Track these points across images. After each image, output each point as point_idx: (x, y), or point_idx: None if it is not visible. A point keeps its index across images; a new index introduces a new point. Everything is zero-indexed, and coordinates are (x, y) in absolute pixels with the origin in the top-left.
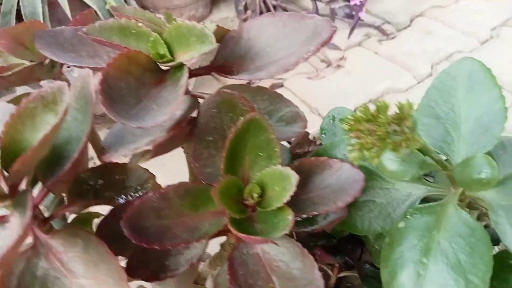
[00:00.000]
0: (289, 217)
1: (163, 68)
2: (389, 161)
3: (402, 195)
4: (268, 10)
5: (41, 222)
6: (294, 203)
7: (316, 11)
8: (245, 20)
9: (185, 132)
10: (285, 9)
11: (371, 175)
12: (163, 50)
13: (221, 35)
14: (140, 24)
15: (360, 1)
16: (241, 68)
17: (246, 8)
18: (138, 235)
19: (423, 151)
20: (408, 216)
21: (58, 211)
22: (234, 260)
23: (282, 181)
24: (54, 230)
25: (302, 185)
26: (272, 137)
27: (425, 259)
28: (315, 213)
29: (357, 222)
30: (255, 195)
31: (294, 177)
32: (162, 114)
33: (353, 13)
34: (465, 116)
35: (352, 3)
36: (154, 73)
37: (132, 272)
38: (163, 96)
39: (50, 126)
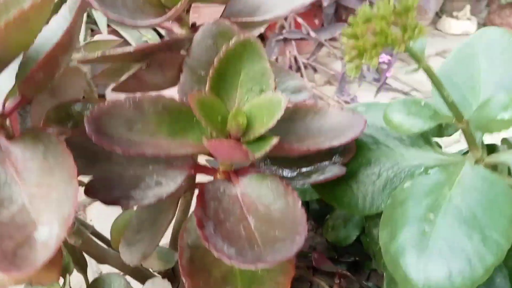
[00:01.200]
0: (273, 140)
1: None
2: (395, 112)
3: (411, 165)
4: (298, 67)
5: (8, 133)
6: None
7: (344, 72)
8: None
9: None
10: (314, 68)
11: (376, 144)
12: None
13: None
14: None
15: (388, 60)
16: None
17: (276, 62)
18: (101, 136)
19: (436, 86)
20: (416, 176)
21: (28, 130)
22: (207, 192)
23: (271, 107)
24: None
25: (299, 130)
26: (267, 66)
27: (432, 215)
28: (316, 147)
29: (358, 199)
30: (240, 121)
31: (283, 100)
32: None
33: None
34: (485, 82)
35: (379, 61)
36: None
37: (92, 192)
38: None
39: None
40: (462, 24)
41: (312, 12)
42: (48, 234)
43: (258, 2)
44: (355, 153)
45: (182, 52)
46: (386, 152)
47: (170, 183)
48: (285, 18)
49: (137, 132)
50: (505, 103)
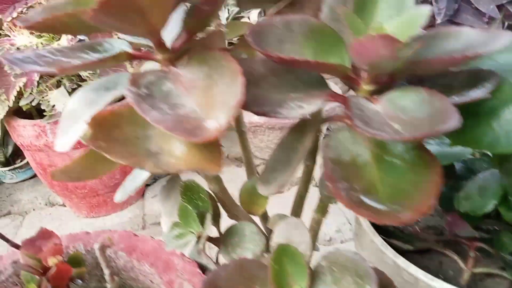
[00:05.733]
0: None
1: None
2: None
3: None
4: None
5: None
6: None
7: None
8: None
9: None
10: None
11: None
12: None
13: None
14: None
15: None
16: None
17: None
18: (259, 44)
19: None
20: None
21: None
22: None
23: (410, 22)
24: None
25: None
26: None
27: None
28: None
29: (500, 137)
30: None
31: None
32: None
33: None
34: None
35: None
36: None
37: (245, 106)
38: None
39: None
40: None
41: None
42: (215, 123)
43: None
44: (496, 90)
45: None
46: None
47: (311, 107)
48: None
49: (285, 51)
50: None
